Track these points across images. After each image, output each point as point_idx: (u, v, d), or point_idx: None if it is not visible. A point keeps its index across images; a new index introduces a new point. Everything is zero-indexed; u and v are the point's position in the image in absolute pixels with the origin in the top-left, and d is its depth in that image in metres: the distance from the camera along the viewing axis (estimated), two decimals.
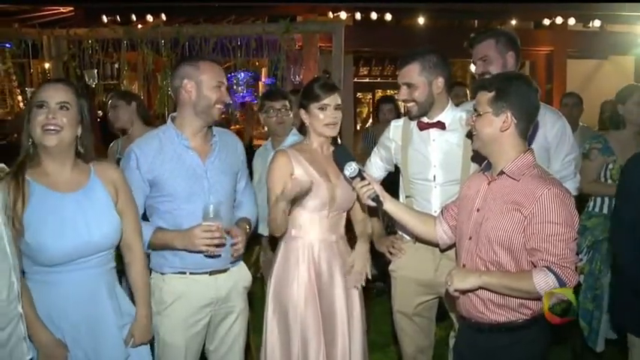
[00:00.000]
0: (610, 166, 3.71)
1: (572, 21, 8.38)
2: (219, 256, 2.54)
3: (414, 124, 2.83)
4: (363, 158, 3.22)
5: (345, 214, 2.78)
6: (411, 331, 2.93)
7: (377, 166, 3.05)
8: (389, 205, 2.52)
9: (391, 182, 3.05)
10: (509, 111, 2.15)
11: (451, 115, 2.77)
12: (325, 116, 2.61)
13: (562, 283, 2.05)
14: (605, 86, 7.64)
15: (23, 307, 1.98)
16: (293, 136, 3.60)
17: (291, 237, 2.66)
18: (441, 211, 2.58)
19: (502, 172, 2.20)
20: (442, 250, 2.68)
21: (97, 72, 5.91)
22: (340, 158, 2.50)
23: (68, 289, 2.12)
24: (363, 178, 2.45)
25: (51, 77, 5.97)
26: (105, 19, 6.83)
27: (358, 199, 2.59)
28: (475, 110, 2.25)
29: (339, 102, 2.65)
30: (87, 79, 5.93)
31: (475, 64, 3.04)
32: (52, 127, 2.08)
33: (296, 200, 2.58)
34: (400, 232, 2.92)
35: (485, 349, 2.26)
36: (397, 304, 2.93)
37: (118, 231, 2.24)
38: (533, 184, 2.12)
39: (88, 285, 2.17)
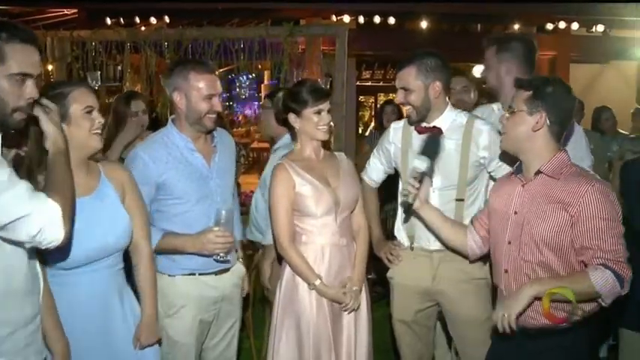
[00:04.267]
0: None
1: (575, 26, 8.36)
2: (229, 261, 2.60)
3: (412, 127, 2.82)
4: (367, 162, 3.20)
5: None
6: (409, 339, 2.91)
7: (377, 169, 3.03)
8: (426, 211, 2.49)
9: (388, 185, 3.04)
10: (544, 112, 2.14)
11: (450, 119, 2.73)
12: (320, 119, 2.61)
13: (620, 279, 2.02)
14: (607, 91, 7.65)
15: (44, 312, 1.96)
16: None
17: (301, 243, 2.64)
18: (471, 221, 2.55)
19: (539, 172, 2.18)
20: (470, 258, 2.63)
21: (100, 74, 5.90)
22: (428, 147, 2.46)
23: (82, 290, 2.14)
24: (420, 182, 2.40)
25: (54, 79, 5.97)
26: (108, 21, 6.85)
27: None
28: (509, 107, 2.24)
29: (329, 106, 2.66)
30: (90, 81, 5.92)
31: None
32: (99, 130, 2.14)
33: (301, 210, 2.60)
34: (399, 239, 2.91)
35: (533, 353, 2.21)
36: (396, 312, 2.91)
37: (130, 232, 2.25)
38: (576, 182, 2.10)
39: (100, 286, 2.19)
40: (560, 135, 2.22)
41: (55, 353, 2.01)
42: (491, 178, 2.80)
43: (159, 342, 2.42)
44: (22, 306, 1.82)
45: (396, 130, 2.91)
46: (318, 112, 2.60)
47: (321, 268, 2.63)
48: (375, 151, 3.06)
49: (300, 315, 2.62)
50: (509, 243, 2.25)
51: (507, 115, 2.24)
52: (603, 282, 2.02)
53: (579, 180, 2.11)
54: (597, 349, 2.28)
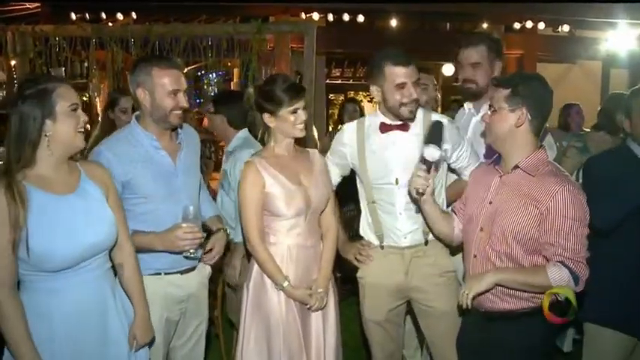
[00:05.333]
0: None
1: (541, 25, 8.50)
2: (198, 257, 2.57)
3: (368, 126, 2.78)
4: None
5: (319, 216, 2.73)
6: (380, 338, 2.91)
7: (332, 172, 2.89)
8: (429, 205, 2.50)
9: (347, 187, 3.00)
10: (525, 108, 2.21)
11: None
12: (297, 118, 2.56)
13: (575, 277, 2.13)
14: (573, 90, 7.76)
15: (10, 323, 1.92)
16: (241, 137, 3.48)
17: (269, 243, 2.61)
18: (453, 211, 2.61)
19: (516, 167, 2.26)
20: (455, 244, 2.67)
21: (65, 70, 5.77)
22: (433, 135, 2.38)
23: (74, 293, 2.07)
24: (429, 171, 2.36)
25: (17, 74, 5.83)
26: (73, 16, 6.70)
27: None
28: (490, 106, 2.30)
29: (304, 103, 2.62)
30: None
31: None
32: (83, 129, 2.09)
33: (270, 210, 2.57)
34: (367, 238, 2.88)
35: (495, 338, 2.30)
36: (367, 312, 2.88)
37: (116, 231, 2.20)
38: (549, 181, 2.19)
39: (93, 287, 2.13)
40: (540, 129, 2.29)
41: None
42: (451, 170, 2.85)
43: (152, 340, 2.38)
44: None
45: (350, 131, 2.86)
46: (295, 112, 2.55)
47: (288, 269, 2.61)
48: (329, 153, 2.96)
49: (270, 314, 2.59)
50: (481, 230, 2.34)
51: (489, 113, 2.31)
52: (559, 278, 2.13)
53: (553, 179, 2.20)
54: (554, 336, 2.34)
